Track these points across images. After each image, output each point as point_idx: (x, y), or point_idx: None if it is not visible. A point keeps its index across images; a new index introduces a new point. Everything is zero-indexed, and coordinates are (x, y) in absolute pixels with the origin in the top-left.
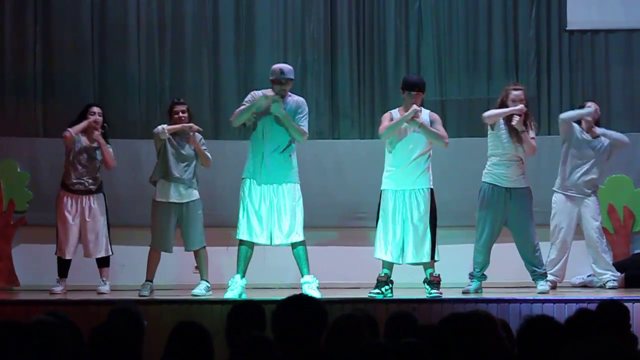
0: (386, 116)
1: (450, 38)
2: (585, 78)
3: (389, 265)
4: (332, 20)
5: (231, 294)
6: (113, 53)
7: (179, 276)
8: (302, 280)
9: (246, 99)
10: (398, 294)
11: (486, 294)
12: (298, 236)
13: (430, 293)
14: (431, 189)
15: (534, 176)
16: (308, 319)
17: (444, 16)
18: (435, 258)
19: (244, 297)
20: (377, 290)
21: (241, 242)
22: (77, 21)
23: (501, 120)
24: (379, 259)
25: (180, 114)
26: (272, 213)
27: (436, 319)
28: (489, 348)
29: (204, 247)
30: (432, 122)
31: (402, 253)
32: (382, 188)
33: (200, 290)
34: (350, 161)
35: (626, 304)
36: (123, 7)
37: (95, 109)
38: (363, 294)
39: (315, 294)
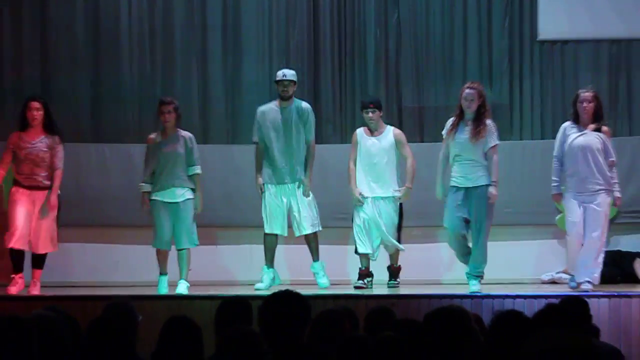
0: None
1: (427, 47)
2: (556, 85)
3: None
4: (315, 30)
5: (262, 285)
6: (106, 62)
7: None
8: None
9: (255, 131)
10: (378, 290)
11: (462, 290)
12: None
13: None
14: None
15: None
16: (292, 313)
17: (421, 26)
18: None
19: (277, 282)
20: (361, 282)
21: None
22: (72, 32)
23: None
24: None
25: (166, 114)
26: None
27: (413, 314)
28: (462, 340)
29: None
30: (398, 143)
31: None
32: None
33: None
34: (332, 165)
35: (592, 299)
36: (115, 17)
37: (34, 104)
38: (344, 290)
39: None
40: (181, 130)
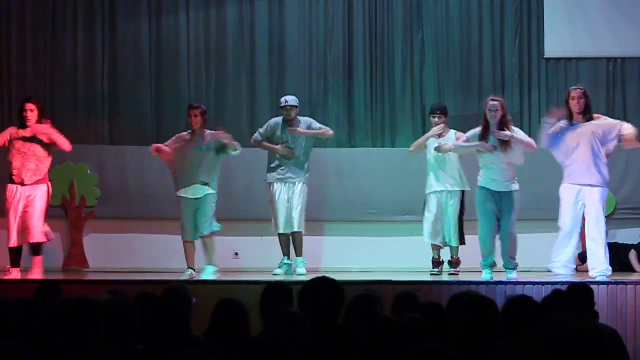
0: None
1: (448, 63)
2: (560, 98)
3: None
4: (349, 48)
5: (280, 271)
6: (167, 75)
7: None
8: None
9: (265, 127)
10: (404, 277)
11: (477, 278)
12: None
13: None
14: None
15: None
16: (329, 297)
17: (442, 45)
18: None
19: (290, 272)
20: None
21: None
22: (138, 49)
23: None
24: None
25: (193, 117)
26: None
27: (436, 298)
28: (485, 323)
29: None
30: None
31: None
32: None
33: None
34: (365, 166)
35: (592, 286)
36: (176, 37)
37: (29, 106)
38: (374, 277)
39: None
40: (207, 130)
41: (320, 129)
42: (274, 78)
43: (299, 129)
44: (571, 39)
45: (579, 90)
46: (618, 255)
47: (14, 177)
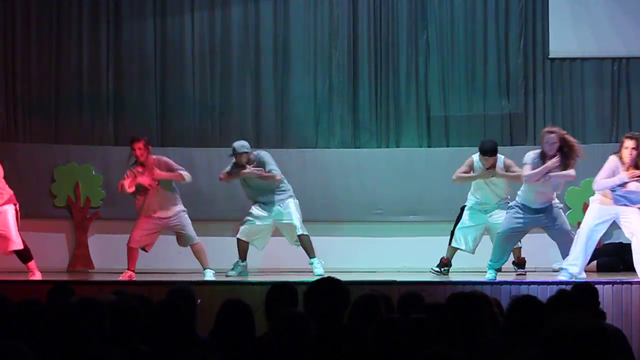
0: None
1: (452, 64)
2: (565, 98)
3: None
4: (354, 49)
5: (233, 272)
6: (172, 76)
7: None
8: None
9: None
10: (409, 277)
11: (482, 278)
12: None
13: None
14: None
15: None
16: (334, 297)
17: (447, 46)
18: None
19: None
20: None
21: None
22: (143, 49)
23: None
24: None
25: (137, 150)
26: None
27: (440, 298)
28: (484, 322)
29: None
30: (507, 167)
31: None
32: None
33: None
34: (369, 167)
35: (597, 286)
36: (181, 37)
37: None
38: (379, 277)
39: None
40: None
41: (270, 171)
42: (279, 79)
43: (252, 170)
44: (576, 39)
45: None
46: (623, 255)
47: None
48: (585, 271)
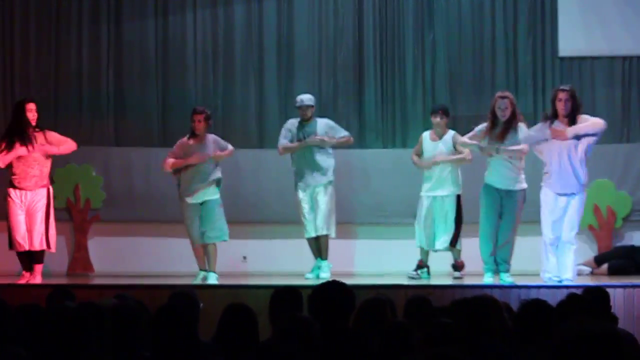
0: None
1: (460, 64)
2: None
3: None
4: (359, 48)
5: (311, 275)
6: (174, 76)
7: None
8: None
9: (283, 132)
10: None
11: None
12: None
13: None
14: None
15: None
16: (339, 301)
17: (453, 45)
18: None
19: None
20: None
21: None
22: (144, 49)
23: None
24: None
25: (196, 122)
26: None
27: (448, 302)
28: (493, 326)
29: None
30: (454, 143)
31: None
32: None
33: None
34: (375, 168)
35: (608, 290)
36: (182, 36)
37: (31, 106)
38: (385, 281)
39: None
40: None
41: (342, 137)
42: (282, 78)
43: (319, 137)
44: (585, 37)
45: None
46: (635, 258)
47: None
48: (597, 274)
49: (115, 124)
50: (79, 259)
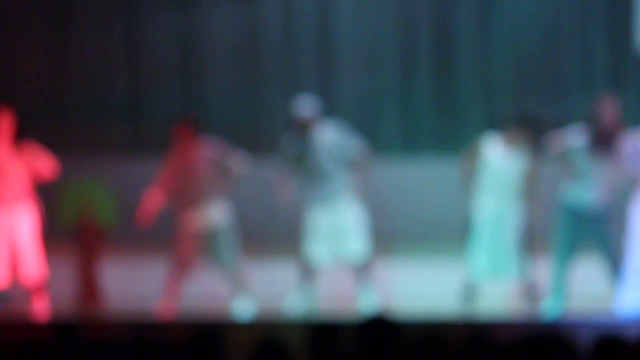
0: None
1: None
2: None
3: None
4: (408, 44)
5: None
6: (196, 77)
7: None
8: None
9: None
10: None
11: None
12: None
13: None
14: None
15: None
16: (386, 342)
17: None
18: None
19: None
20: None
21: None
22: (163, 48)
23: None
24: None
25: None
26: None
27: (508, 340)
28: None
29: None
30: None
31: None
32: None
33: None
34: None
35: None
36: (206, 34)
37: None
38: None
39: None
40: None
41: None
42: (318, 79)
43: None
44: None
45: None
46: None
47: None
48: None
49: (132, 130)
50: (88, 288)
